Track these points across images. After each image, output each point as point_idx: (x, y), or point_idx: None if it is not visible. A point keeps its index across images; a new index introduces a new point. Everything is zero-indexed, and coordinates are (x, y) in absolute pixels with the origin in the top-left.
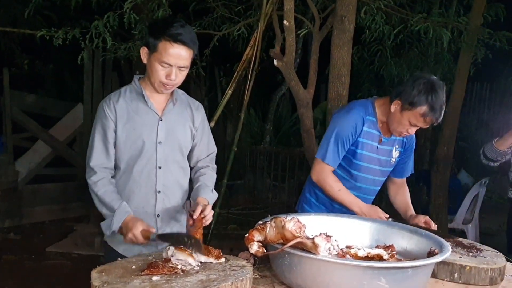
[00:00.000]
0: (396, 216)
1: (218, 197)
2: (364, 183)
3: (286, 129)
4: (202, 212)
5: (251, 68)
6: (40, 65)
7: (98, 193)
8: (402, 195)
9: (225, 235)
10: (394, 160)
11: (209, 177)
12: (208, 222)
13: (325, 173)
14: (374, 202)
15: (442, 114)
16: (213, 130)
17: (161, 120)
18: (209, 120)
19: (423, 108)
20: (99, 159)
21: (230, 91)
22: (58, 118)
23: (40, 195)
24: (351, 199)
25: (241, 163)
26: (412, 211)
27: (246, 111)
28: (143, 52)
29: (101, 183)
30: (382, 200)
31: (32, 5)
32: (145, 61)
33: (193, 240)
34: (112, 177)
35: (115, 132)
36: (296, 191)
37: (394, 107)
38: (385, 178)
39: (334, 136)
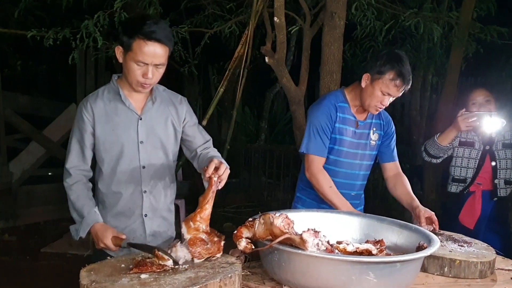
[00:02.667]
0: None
1: None
2: (349, 168)
3: (281, 127)
4: (216, 170)
5: (243, 65)
6: (33, 66)
7: (71, 197)
8: (401, 186)
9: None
10: (374, 142)
11: (215, 153)
12: (222, 184)
13: (315, 168)
14: (368, 199)
15: (411, 80)
16: (207, 129)
17: (140, 119)
18: (202, 119)
19: (391, 74)
20: (74, 162)
21: (222, 89)
22: (52, 118)
23: (35, 196)
24: (339, 200)
25: (236, 162)
26: (416, 201)
27: (239, 109)
28: (118, 51)
29: (75, 187)
30: (377, 196)
31: (22, 5)
32: (120, 60)
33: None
34: (89, 180)
35: (93, 134)
36: (291, 188)
37: (364, 81)
38: (372, 162)
39: (312, 127)
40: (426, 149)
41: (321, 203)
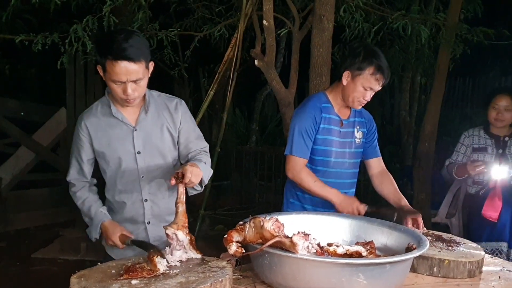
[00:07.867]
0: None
1: (204, 198)
2: (338, 167)
3: (271, 129)
4: (183, 175)
5: (232, 68)
6: (22, 70)
7: (77, 203)
8: (388, 184)
9: (212, 236)
10: (359, 140)
11: (202, 156)
12: (192, 184)
13: (298, 167)
14: (359, 199)
15: (389, 74)
16: None
17: (135, 130)
18: None
19: (371, 69)
20: (74, 175)
21: (212, 92)
22: (41, 123)
23: (25, 201)
24: (328, 190)
25: (228, 164)
26: (404, 200)
27: (229, 111)
28: (100, 70)
29: (80, 193)
30: (367, 195)
31: (10, 9)
32: (104, 78)
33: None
34: (95, 185)
35: (92, 150)
36: (282, 190)
37: (345, 79)
38: (359, 160)
39: (296, 129)
40: (444, 175)
41: (304, 203)
